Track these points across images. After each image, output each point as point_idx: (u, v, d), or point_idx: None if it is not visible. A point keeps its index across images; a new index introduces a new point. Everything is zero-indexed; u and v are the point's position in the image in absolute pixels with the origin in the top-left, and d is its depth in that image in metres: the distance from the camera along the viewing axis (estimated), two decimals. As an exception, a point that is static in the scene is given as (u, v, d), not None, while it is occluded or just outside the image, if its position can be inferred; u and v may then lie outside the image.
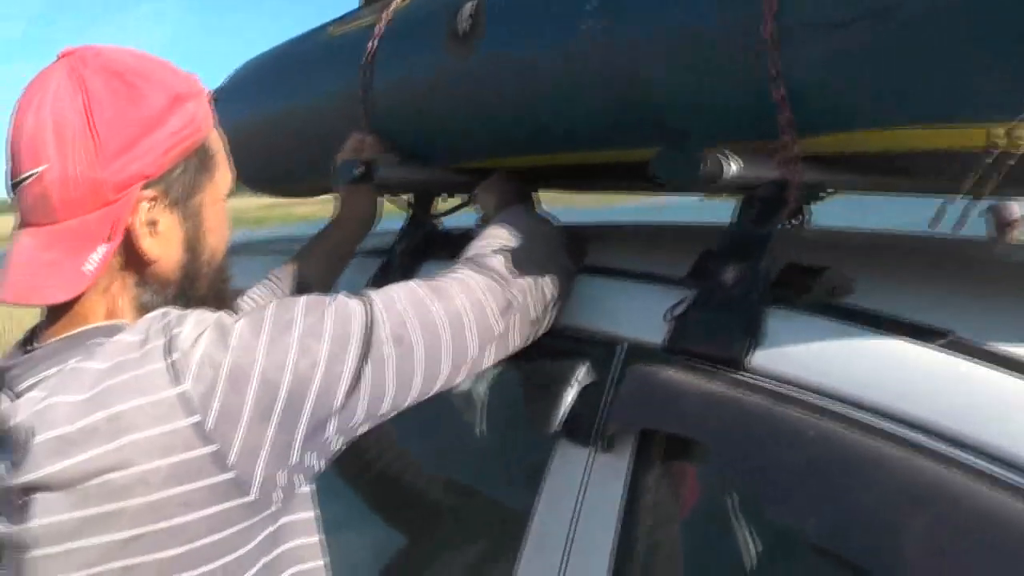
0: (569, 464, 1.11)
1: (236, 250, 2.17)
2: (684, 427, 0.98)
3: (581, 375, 1.14)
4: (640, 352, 1.10)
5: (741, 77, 0.96)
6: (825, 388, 0.89)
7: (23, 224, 0.93)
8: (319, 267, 1.59)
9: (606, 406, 1.09)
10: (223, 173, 1.06)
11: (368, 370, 0.93)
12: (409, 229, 1.62)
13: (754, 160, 0.97)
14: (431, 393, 1.01)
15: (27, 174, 0.90)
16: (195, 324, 0.89)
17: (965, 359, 0.83)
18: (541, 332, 1.16)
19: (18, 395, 0.89)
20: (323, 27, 1.87)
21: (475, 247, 1.18)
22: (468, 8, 1.31)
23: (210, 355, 0.86)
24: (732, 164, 0.93)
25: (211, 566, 0.86)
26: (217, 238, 1.06)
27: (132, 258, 0.96)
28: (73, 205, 0.90)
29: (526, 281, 1.12)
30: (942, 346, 0.86)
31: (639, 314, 1.14)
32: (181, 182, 0.98)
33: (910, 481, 0.76)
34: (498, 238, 1.19)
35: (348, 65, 1.59)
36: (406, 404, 0.99)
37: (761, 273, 1.00)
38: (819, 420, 0.86)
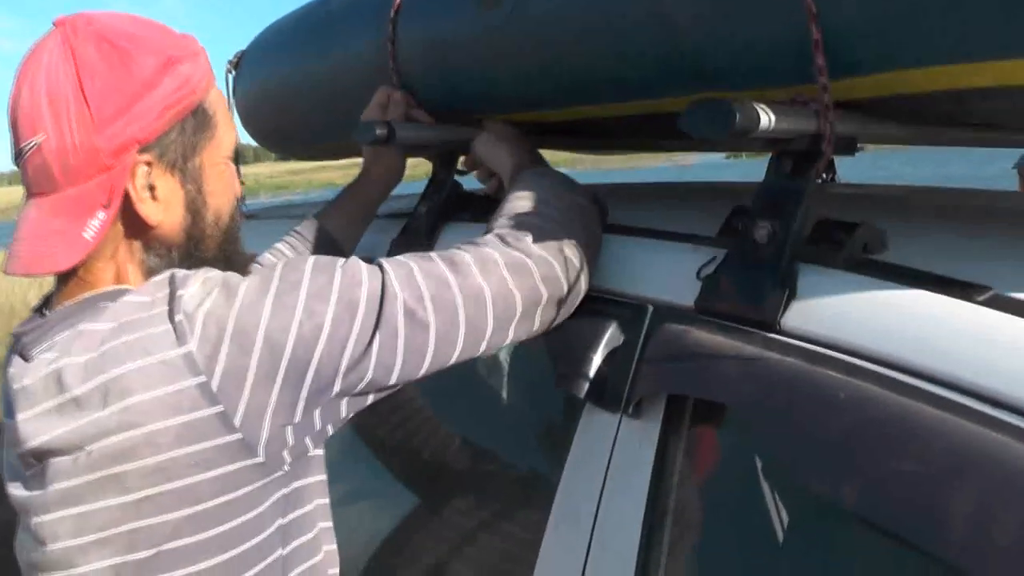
0: (597, 430, 1.09)
1: (258, 214, 2.17)
2: (715, 392, 0.95)
3: (609, 338, 1.11)
4: (669, 314, 1.06)
5: (777, 18, 0.93)
6: (861, 348, 0.86)
7: (29, 195, 0.95)
8: (343, 225, 1.58)
9: (635, 370, 1.06)
10: (224, 133, 1.04)
11: (377, 340, 0.92)
12: (432, 190, 1.59)
13: (788, 112, 0.94)
14: (444, 367, 0.99)
15: (27, 144, 0.91)
16: (201, 284, 0.90)
17: (1007, 315, 0.80)
18: (570, 311, 1.12)
19: (31, 359, 0.90)
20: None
21: (502, 216, 1.14)
22: None
23: (215, 315, 0.86)
24: (766, 116, 0.89)
25: (223, 527, 0.87)
26: (220, 200, 1.05)
27: (134, 223, 0.97)
28: (72, 173, 0.91)
29: (556, 259, 1.07)
30: (981, 302, 0.82)
31: (668, 275, 1.11)
32: (178, 145, 0.98)
33: (950, 444, 0.73)
34: (525, 207, 1.14)
35: (375, 20, 1.56)
36: (417, 377, 0.97)
37: (794, 230, 0.97)
38: (855, 381, 0.83)
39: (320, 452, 0.99)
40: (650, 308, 1.09)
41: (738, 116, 0.86)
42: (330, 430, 0.95)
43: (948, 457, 0.72)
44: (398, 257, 1.02)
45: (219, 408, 0.84)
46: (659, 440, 1.01)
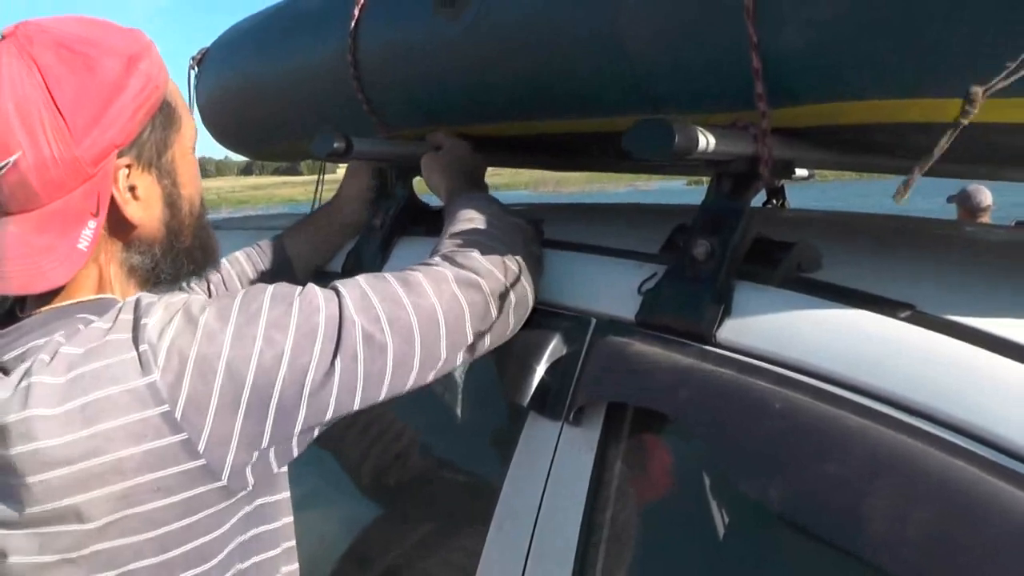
0: (539, 437, 1.12)
1: (219, 225, 2.18)
2: (652, 400, 0.98)
3: (553, 349, 1.15)
4: (611, 326, 1.10)
5: (720, 44, 0.97)
6: (792, 360, 0.91)
7: (4, 214, 0.91)
8: (304, 247, 1.61)
9: (577, 380, 1.09)
10: (187, 123, 1.05)
11: (338, 364, 0.93)
12: (387, 203, 1.62)
13: (728, 135, 0.98)
14: (403, 390, 1.00)
15: (1, 164, 0.88)
16: (164, 312, 0.90)
17: (925, 331, 0.85)
18: (520, 324, 1.15)
19: (4, 367, 0.89)
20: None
21: (447, 238, 1.17)
22: None
23: (177, 346, 0.86)
24: (705, 138, 0.94)
25: (184, 548, 0.87)
26: (192, 189, 1.06)
27: (117, 225, 0.97)
28: (55, 186, 0.89)
29: (503, 274, 1.11)
30: (903, 318, 0.87)
31: (611, 289, 1.15)
32: (151, 142, 0.98)
33: (871, 449, 0.77)
34: (468, 228, 1.18)
35: (337, 27, 1.59)
36: (378, 399, 0.98)
37: (731, 248, 1.01)
38: (785, 391, 0.87)
39: (284, 471, 1.00)
40: (593, 321, 1.13)
41: (677, 137, 0.90)
42: (296, 451, 0.95)
43: (867, 461, 0.76)
44: (353, 279, 1.03)
45: (183, 436, 0.84)
46: (598, 446, 1.05)
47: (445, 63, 1.38)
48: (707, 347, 0.98)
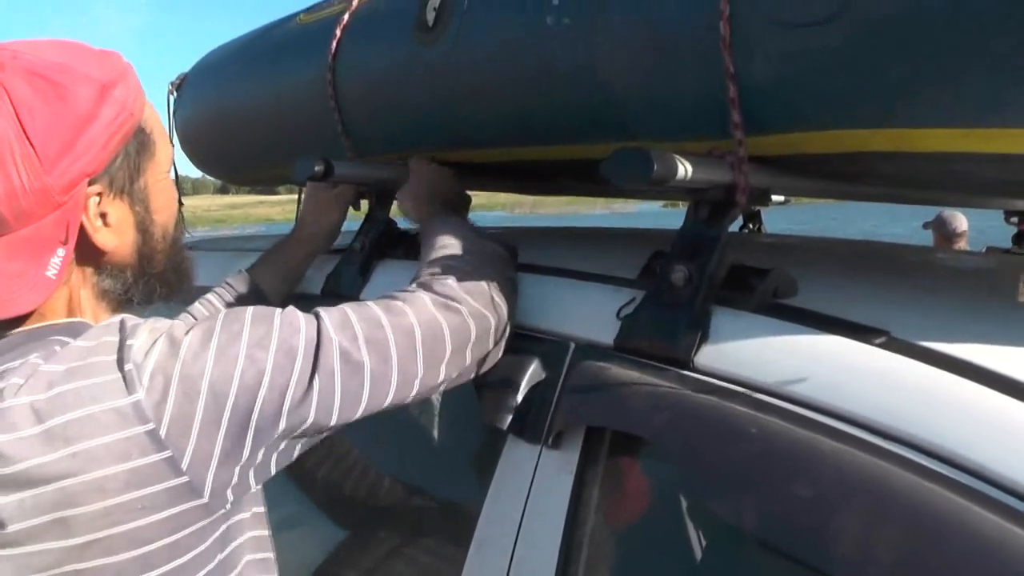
0: (518, 462, 1.12)
1: (196, 246, 2.18)
2: (629, 424, 1.00)
3: (531, 373, 1.15)
4: (590, 351, 1.11)
5: (696, 74, 0.99)
6: (767, 385, 0.92)
7: None
8: (274, 279, 1.62)
9: (556, 404, 1.10)
10: (162, 148, 1.05)
11: (316, 383, 0.94)
12: (367, 227, 1.63)
13: (705, 163, 0.99)
14: (381, 408, 1.01)
15: None
16: (148, 335, 0.90)
17: (898, 356, 0.86)
18: (499, 350, 1.16)
19: None
20: (293, 16, 1.88)
21: (425, 266, 1.18)
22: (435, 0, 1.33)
23: (162, 366, 0.87)
24: (683, 166, 0.95)
25: (167, 567, 0.87)
26: (166, 215, 1.06)
27: (88, 251, 0.97)
28: (24, 215, 0.89)
29: (481, 298, 1.12)
30: (877, 344, 0.89)
31: (590, 314, 1.16)
32: (123, 170, 0.98)
33: (846, 473, 0.78)
34: (445, 255, 1.19)
35: (316, 53, 1.60)
36: (355, 418, 0.99)
37: (708, 274, 1.02)
38: (760, 416, 0.88)
39: (259, 486, 0.99)
40: (572, 345, 1.14)
41: (656, 165, 0.92)
42: (274, 469, 0.96)
43: (838, 482, 0.78)
44: (338, 306, 1.04)
45: (167, 453, 0.84)
46: (577, 469, 1.05)
47: (423, 89, 1.39)
48: (684, 372, 0.99)
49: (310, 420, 0.94)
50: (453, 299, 1.09)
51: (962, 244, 5.04)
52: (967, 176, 1.00)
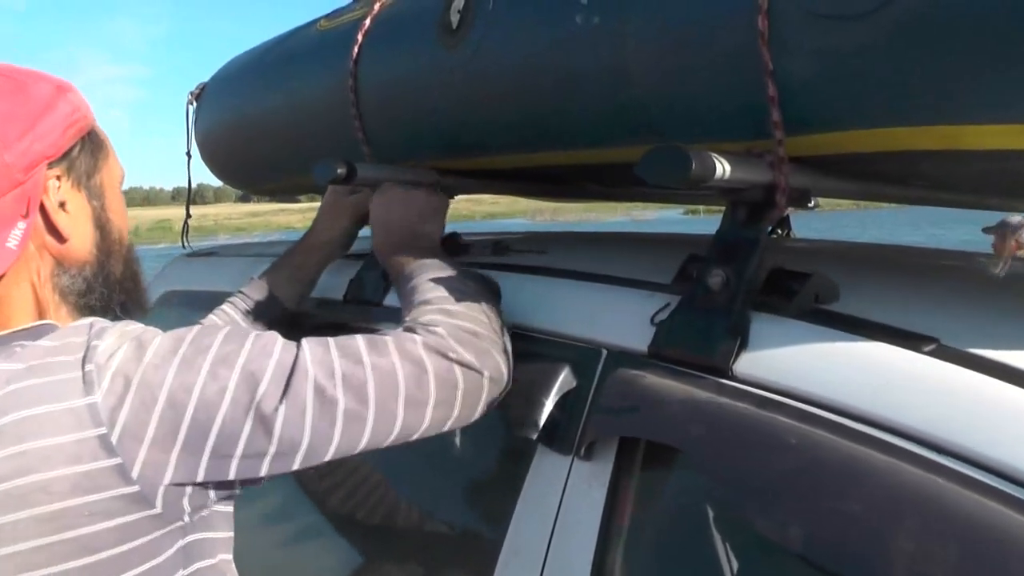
0: (549, 472, 1.09)
1: (216, 252, 2.17)
2: (665, 434, 0.96)
3: (563, 381, 1.12)
4: (623, 358, 1.08)
5: (733, 73, 0.96)
6: (810, 394, 0.88)
7: None
8: (288, 286, 1.59)
9: (587, 413, 1.07)
10: (114, 161, 1.09)
11: (282, 413, 0.92)
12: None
13: (743, 162, 0.96)
14: (356, 450, 0.98)
15: None
16: (117, 337, 0.91)
17: (950, 365, 0.83)
18: (494, 396, 1.10)
19: None
20: (313, 22, 1.86)
21: (414, 308, 1.14)
22: (459, 1, 1.30)
23: (123, 370, 0.87)
24: (722, 165, 0.92)
25: None
26: (121, 222, 1.09)
27: (49, 235, 0.99)
28: None
29: (472, 352, 1.06)
30: (927, 352, 0.85)
31: (623, 320, 1.12)
32: (82, 161, 1.03)
33: (894, 488, 0.75)
34: (436, 298, 1.14)
35: (337, 59, 1.57)
36: (325, 458, 0.96)
37: (747, 278, 0.99)
38: (803, 427, 0.85)
39: (229, 509, 1.00)
40: (604, 352, 1.11)
41: (694, 164, 0.88)
42: (237, 492, 0.95)
43: (889, 500, 0.74)
44: (323, 337, 1.02)
45: (117, 460, 0.84)
46: (610, 482, 1.02)
47: (447, 93, 1.36)
48: (722, 380, 0.96)
49: (272, 449, 0.92)
50: (442, 346, 1.05)
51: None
52: (1013, 175, 0.96)
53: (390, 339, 1.04)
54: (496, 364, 1.08)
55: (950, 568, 0.68)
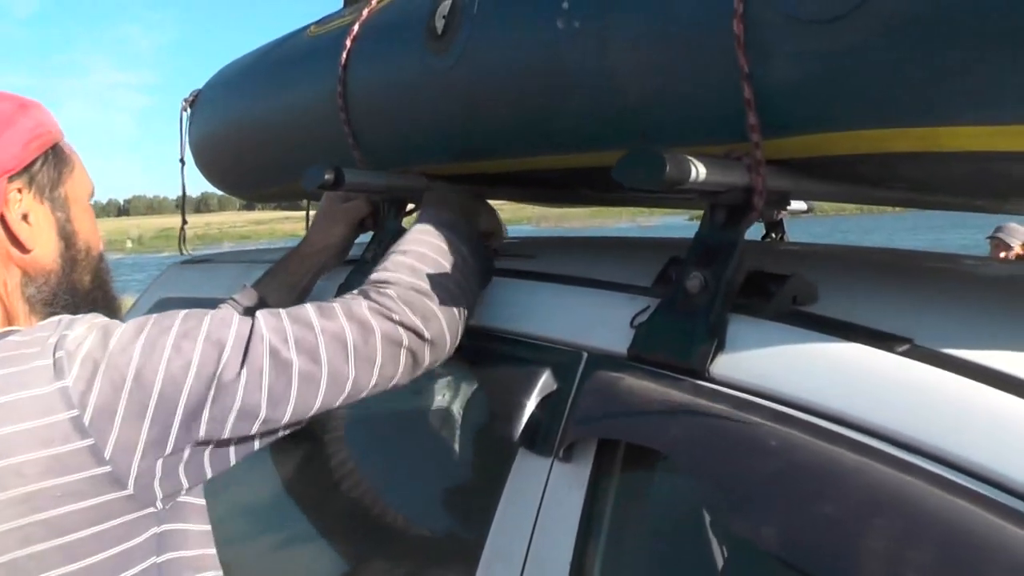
0: (529, 474, 1.09)
1: (216, 259, 2.18)
2: (643, 436, 0.96)
3: (543, 384, 1.12)
4: (603, 361, 1.08)
5: (711, 77, 0.96)
6: (788, 396, 0.88)
7: None
8: (280, 294, 1.58)
9: (567, 416, 1.07)
10: (81, 176, 1.11)
11: (243, 376, 0.96)
12: (379, 237, 1.60)
13: (720, 165, 0.96)
14: (311, 409, 1.03)
15: None
16: (86, 328, 0.94)
17: (923, 365, 0.83)
18: (437, 359, 1.16)
19: None
20: (303, 28, 1.87)
21: (377, 268, 1.18)
22: (444, 7, 1.30)
23: (91, 355, 0.90)
24: (697, 168, 0.92)
25: (93, 559, 0.88)
26: (90, 235, 1.11)
27: (12, 247, 1.02)
28: None
29: (417, 307, 1.11)
30: (901, 352, 0.85)
31: (603, 323, 1.12)
32: (44, 174, 1.04)
33: (869, 489, 0.75)
34: (401, 261, 1.18)
35: (327, 65, 1.58)
36: (283, 419, 1.00)
37: (725, 280, 0.99)
38: (779, 428, 0.85)
39: (201, 503, 1.03)
40: (585, 355, 1.11)
41: (669, 166, 0.89)
42: (209, 471, 0.98)
43: (864, 500, 0.74)
44: (272, 310, 1.07)
45: (90, 441, 0.86)
46: (589, 483, 1.02)
47: (434, 98, 1.37)
48: (700, 382, 0.96)
49: (233, 412, 0.95)
50: (387, 308, 1.10)
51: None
52: (996, 177, 0.96)
53: (337, 304, 1.09)
54: (440, 328, 1.13)
55: (925, 569, 0.68)
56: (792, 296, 0.99)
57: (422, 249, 1.20)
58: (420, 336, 1.11)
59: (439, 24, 1.31)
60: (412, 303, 1.11)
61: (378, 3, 1.58)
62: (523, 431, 1.10)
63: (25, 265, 1.03)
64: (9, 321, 1.02)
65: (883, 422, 0.80)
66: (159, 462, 0.91)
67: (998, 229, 5.03)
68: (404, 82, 1.42)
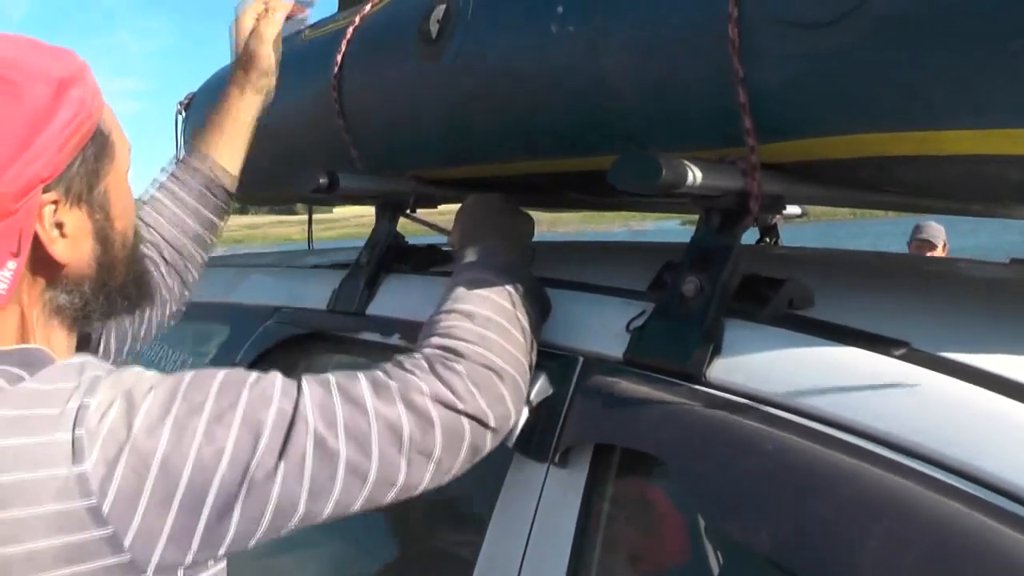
0: (525, 479, 1.09)
1: (213, 263, 2.17)
2: (638, 441, 0.96)
3: (539, 388, 1.11)
4: (598, 365, 1.08)
5: (706, 81, 0.96)
6: (785, 400, 0.88)
7: None
8: (224, 146, 1.44)
9: (563, 420, 1.07)
10: (121, 149, 0.97)
11: (282, 467, 0.85)
12: (373, 241, 1.60)
13: (716, 169, 0.96)
14: (352, 508, 0.91)
15: None
16: (109, 392, 0.82)
17: (920, 369, 0.83)
18: (496, 443, 1.04)
19: None
20: (298, 32, 1.86)
21: (437, 331, 1.06)
22: (438, 11, 1.30)
23: (114, 435, 0.79)
24: (693, 172, 0.92)
25: None
26: (126, 221, 0.98)
27: (42, 264, 0.88)
28: None
29: (487, 399, 1.00)
30: (898, 356, 0.85)
31: (599, 327, 1.12)
32: (81, 175, 0.89)
33: (866, 493, 0.75)
34: (460, 323, 1.06)
35: (321, 68, 1.58)
36: (322, 515, 0.89)
37: (720, 284, 0.99)
38: (776, 432, 0.85)
39: (222, 565, 0.89)
40: (580, 360, 1.11)
41: (664, 170, 0.89)
42: (233, 550, 0.86)
43: (859, 503, 0.74)
44: (324, 375, 0.95)
45: (108, 531, 0.76)
46: (585, 488, 1.02)
47: (428, 102, 1.37)
48: (696, 386, 0.96)
49: (271, 505, 0.85)
50: (454, 393, 0.98)
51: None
52: (990, 180, 0.96)
53: (396, 382, 0.96)
54: (506, 412, 1.03)
55: (918, 571, 0.69)
56: (788, 300, 0.99)
57: (486, 312, 1.07)
58: (485, 426, 1.00)
59: (433, 28, 1.31)
60: (481, 384, 1.00)
61: (372, 7, 1.58)
62: (518, 436, 1.09)
63: (56, 276, 0.90)
64: (24, 334, 0.89)
65: (881, 426, 0.80)
66: (187, 550, 0.80)
67: (918, 230, 5.00)
68: (398, 86, 1.42)
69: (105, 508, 0.76)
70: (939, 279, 1.27)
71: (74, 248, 0.90)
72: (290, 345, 1.61)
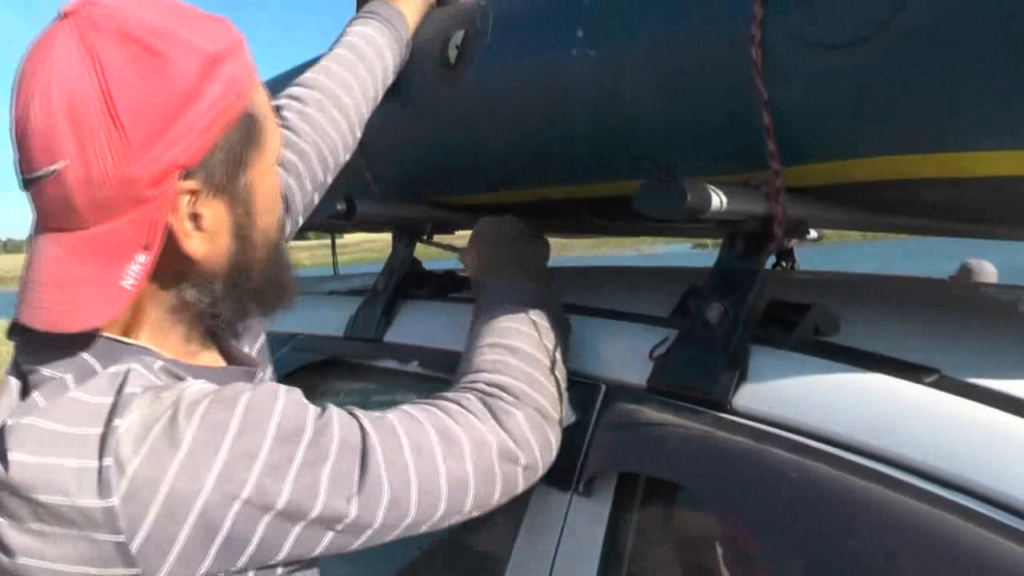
0: (548, 508, 1.08)
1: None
2: (664, 470, 0.95)
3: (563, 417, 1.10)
4: (622, 393, 1.07)
5: (729, 104, 0.95)
6: (810, 428, 0.87)
7: (43, 228, 0.78)
8: (355, 90, 1.32)
9: (587, 448, 1.06)
10: (272, 137, 0.89)
11: (337, 526, 0.81)
12: (390, 267, 1.60)
13: (740, 193, 0.95)
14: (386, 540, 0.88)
15: (42, 172, 0.74)
16: (144, 413, 0.75)
17: (953, 396, 0.81)
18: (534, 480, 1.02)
19: (22, 374, 0.79)
20: (316, 59, 1.86)
21: (490, 359, 1.04)
22: (457, 36, 1.30)
23: (150, 473, 0.72)
24: (718, 197, 0.91)
25: None
26: (271, 218, 0.91)
27: (173, 259, 0.82)
28: (101, 208, 0.75)
29: (540, 440, 0.99)
30: (929, 383, 0.84)
31: (621, 354, 1.11)
32: (225, 163, 0.82)
33: (896, 522, 0.74)
34: (514, 356, 1.04)
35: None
36: (368, 545, 0.86)
37: (745, 310, 0.98)
38: (803, 460, 0.83)
39: None
40: (603, 387, 1.10)
41: (690, 196, 0.88)
42: None
43: (891, 534, 0.73)
44: (388, 419, 0.89)
45: (135, 571, 0.71)
46: (609, 518, 1.01)
47: (446, 128, 1.36)
48: (721, 414, 0.94)
49: (319, 551, 0.81)
50: (516, 444, 0.96)
51: None
52: (1020, 202, 0.95)
53: (464, 439, 0.92)
54: (551, 458, 1.02)
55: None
56: (814, 326, 0.98)
57: (529, 348, 1.05)
58: (535, 472, 0.99)
59: (452, 54, 1.30)
60: (535, 431, 0.99)
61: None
62: (542, 465, 1.08)
63: (185, 272, 0.84)
64: (135, 324, 0.84)
65: (912, 454, 0.78)
66: None
67: (967, 272, 5.01)
68: (416, 110, 1.41)
69: (133, 547, 0.71)
70: (966, 304, 1.25)
71: (210, 243, 0.84)
72: (307, 372, 1.60)
